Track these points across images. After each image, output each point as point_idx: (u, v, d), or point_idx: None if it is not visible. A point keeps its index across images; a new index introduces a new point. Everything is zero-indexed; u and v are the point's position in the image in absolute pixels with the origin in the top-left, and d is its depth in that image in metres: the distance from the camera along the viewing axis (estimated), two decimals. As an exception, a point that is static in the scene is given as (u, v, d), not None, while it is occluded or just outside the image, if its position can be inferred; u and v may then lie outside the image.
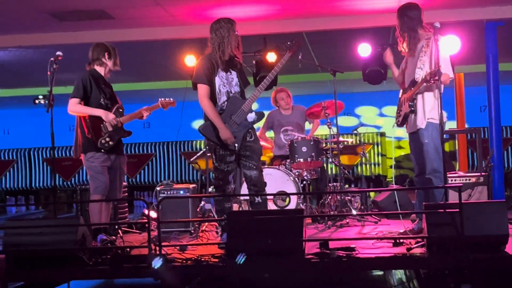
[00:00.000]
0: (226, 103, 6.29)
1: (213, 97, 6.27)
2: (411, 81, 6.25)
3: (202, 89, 6.25)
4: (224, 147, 6.26)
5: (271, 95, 9.31)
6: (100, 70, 6.69)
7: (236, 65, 6.39)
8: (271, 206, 7.93)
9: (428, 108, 6.17)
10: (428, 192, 6.21)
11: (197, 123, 17.45)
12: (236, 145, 6.25)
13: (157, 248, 5.49)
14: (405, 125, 6.47)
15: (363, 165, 15.55)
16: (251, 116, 6.32)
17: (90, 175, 6.61)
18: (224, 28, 6.25)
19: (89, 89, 6.52)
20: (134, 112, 6.86)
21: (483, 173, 8.12)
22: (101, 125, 6.53)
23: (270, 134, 9.49)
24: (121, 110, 6.72)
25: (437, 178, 6.11)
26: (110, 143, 6.55)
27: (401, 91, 6.58)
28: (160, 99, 7.08)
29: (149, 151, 18.44)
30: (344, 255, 5.45)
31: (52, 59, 6.29)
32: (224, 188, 6.39)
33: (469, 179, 7.85)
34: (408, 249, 5.51)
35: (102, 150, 6.54)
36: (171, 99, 7.14)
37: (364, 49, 10.36)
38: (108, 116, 6.54)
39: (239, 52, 6.39)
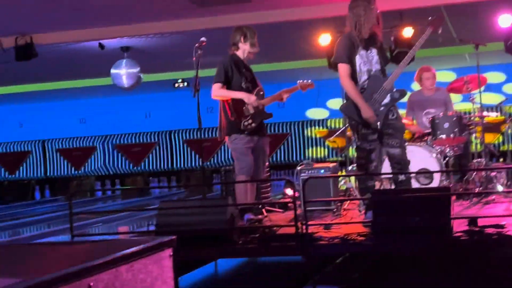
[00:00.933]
0: (367, 81, 6.28)
1: (354, 76, 6.27)
2: None
3: (343, 68, 6.25)
4: (366, 126, 6.26)
5: (415, 72, 9.09)
6: (239, 53, 6.84)
7: (376, 43, 6.35)
8: (414, 183, 7.85)
9: None
10: None
11: (333, 102, 17.47)
12: (378, 123, 6.23)
13: (304, 226, 5.59)
14: None
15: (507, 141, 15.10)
16: (393, 94, 6.27)
17: (235, 156, 6.80)
18: (361, 7, 6.21)
19: (230, 73, 6.69)
20: (274, 95, 7.00)
21: None
22: (243, 108, 6.69)
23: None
24: (261, 93, 6.85)
25: None
26: (253, 125, 6.70)
27: None
28: (298, 81, 7.16)
29: (284, 131, 18.64)
30: (495, 232, 5.34)
31: (196, 45, 6.50)
32: (367, 166, 6.39)
33: None
34: None
35: (246, 132, 6.70)
36: (310, 80, 7.20)
37: (506, 20, 10.00)
38: (250, 99, 6.68)
39: (379, 29, 6.35)
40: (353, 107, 6.28)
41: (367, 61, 6.28)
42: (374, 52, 6.31)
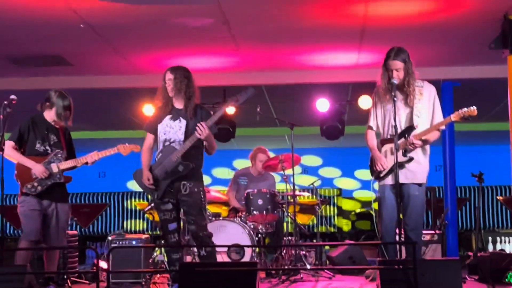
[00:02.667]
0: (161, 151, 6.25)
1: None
2: (406, 127, 6.02)
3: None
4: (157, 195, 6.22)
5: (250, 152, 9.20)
6: (46, 114, 6.58)
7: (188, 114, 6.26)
8: (225, 259, 7.82)
9: (428, 162, 6.12)
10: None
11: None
12: (157, 194, 6.19)
13: (106, 299, 5.35)
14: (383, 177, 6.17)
15: (320, 222, 15.56)
16: (178, 166, 6.11)
17: (21, 220, 6.48)
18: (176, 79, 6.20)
19: (26, 134, 6.46)
20: (80, 158, 6.66)
21: (437, 231, 8.14)
22: (31, 171, 6.41)
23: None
24: (60, 155, 6.53)
25: (418, 236, 6.08)
26: (39, 188, 6.39)
27: (373, 141, 6.27)
28: (119, 145, 6.85)
29: (104, 201, 18.18)
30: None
31: (5, 102, 6.18)
32: (167, 237, 6.25)
33: (424, 237, 7.84)
34: (362, 306, 5.46)
35: (31, 195, 6.39)
36: (134, 145, 6.91)
37: (323, 104, 10.37)
38: (35, 168, 6.38)
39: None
40: (138, 175, 6.29)
41: (168, 130, 6.24)
42: (183, 123, 6.24)
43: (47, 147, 6.52)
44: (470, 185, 16.22)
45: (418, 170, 6.07)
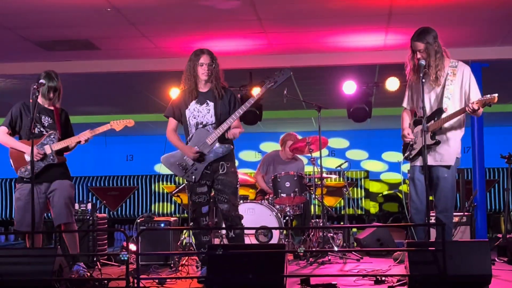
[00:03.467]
0: (193, 134, 6.27)
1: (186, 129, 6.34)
2: (435, 110, 6.07)
3: (169, 121, 6.38)
4: (190, 178, 6.26)
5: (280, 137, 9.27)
6: (40, 97, 6.51)
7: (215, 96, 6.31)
8: (253, 241, 7.86)
9: (458, 144, 6.10)
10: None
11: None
12: (194, 177, 6.22)
13: (135, 280, 5.40)
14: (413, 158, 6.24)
15: (347, 204, 15.56)
16: (217, 149, 6.22)
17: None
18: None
19: (19, 119, 6.47)
20: (70, 138, 6.58)
21: (466, 213, 8.09)
22: (24, 155, 6.43)
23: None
24: (53, 137, 6.50)
25: (448, 218, 6.09)
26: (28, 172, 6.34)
27: (407, 122, 6.37)
28: (112, 121, 6.75)
29: (132, 184, 18.30)
30: (326, 291, 5.40)
31: (34, 86, 6.19)
32: (199, 220, 6.29)
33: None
34: (390, 287, 5.45)
35: (24, 180, 6.41)
36: (128, 120, 6.84)
37: (350, 87, 10.34)
38: (28, 150, 6.30)
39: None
40: (172, 157, 6.33)
41: (197, 114, 6.26)
42: (210, 105, 6.28)
43: (42, 129, 6.51)
44: (499, 167, 16.11)
45: (446, 152, 6.05)
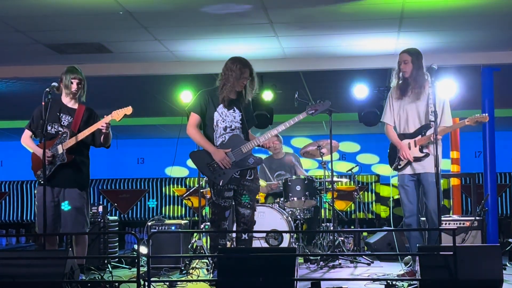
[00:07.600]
0: (226, 138, 6.30)
1: (210, 129, 6.36)
2: (423, 125, 6.47)
3: (192, 117, 6.40)
4: (217, 183, 6.25)
5: None
6: (63, 96, 6.59)
7: (242, 103, 6.39)
8: (263, 244, 7.87)
9: (439, 153, 6.25)
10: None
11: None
12: (222, 180, 6.23)
13: (146, 283, 5.41)
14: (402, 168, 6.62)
15: (358, 208, 15.59)
16: (250, 159, 6.34)
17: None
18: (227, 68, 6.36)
19: (41, 121, 6.35)
20: (76, 135, 6.49)
21: (477, 218, 8.07)
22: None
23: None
24: (64, 136, 6.45)
25: (437, 218, 6.23)
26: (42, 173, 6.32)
27: (395, 135, 6.73)
28: (113, 111, 6.68)
29: (143, 187, 18.33)
30: (336, 295, 5.40)
31: (47, 89, 6.22)
32: (219, 224, 6.33)
33: (463, 223, 7.79)
34: (401, 292, 5.46)
35: (41, 182, 6.37)
36: (127, 108, 6.74)
37: (361, 91, 10.34)
38: (38, 151, 6.38)
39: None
40: (202, 155, 6.33)
41: (225, 118, 6.30)
42: (237, 112, 6.33)
43: (60, 129, 6.50)
44: (510, 171, 16.03)
45: (428, 160, 6.45)
